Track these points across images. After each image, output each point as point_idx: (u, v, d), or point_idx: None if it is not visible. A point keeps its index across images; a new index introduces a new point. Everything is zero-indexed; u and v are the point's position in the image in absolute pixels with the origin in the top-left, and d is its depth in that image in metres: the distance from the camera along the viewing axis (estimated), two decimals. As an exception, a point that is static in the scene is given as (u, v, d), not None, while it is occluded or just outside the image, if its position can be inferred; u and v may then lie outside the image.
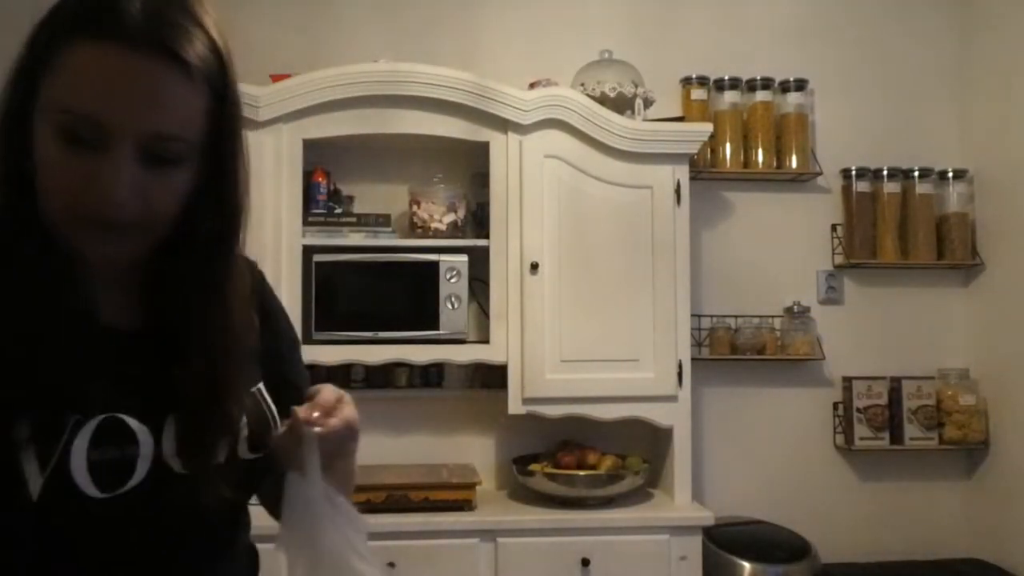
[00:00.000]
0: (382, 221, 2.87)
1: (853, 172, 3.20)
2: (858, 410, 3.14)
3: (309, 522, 0.93)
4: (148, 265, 0.93)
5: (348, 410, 0.96)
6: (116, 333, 0.92)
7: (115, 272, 0.93)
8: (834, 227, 3.25)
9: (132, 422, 0.88)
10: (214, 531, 0.98)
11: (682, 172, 2.85)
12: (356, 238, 2.82)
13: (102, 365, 0.89)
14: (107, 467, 0.86)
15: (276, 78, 2.76)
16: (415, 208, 2.88)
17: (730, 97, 3.15)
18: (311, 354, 2.72)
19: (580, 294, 2.79)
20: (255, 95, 2.67)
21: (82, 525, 0.86)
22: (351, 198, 3.00)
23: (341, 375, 2.88)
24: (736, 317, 3.15)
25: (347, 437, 0.96)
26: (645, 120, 2.87)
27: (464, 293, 2.77)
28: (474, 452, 3.03)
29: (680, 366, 2.82)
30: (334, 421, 0.93)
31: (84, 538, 0.87)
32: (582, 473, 2.78)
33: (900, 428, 3.14)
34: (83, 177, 0.81)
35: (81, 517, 0.85)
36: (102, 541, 0.88)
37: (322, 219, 2.83)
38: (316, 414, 0.92)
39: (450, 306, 2.76)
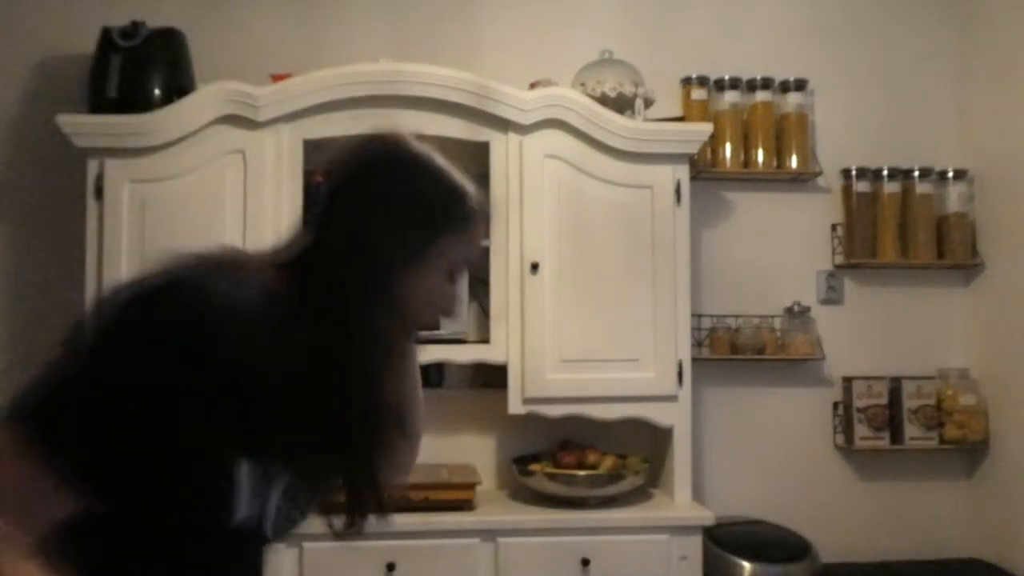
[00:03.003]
0: (382, 221, 2.86)
1: (853, 172, 3.20)
2: (858, 410, 3.14)
3: None
4: None
5: None
6: None
7: None
8: (834, 227, 3.25)
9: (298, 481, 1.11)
10: None
11: (682, 172, 2.85)
12: (356, 238, 2.81)
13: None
14: (280, 516, 1.09)
15: (276, 78, 2.76)
16: (415, 208, 2.88)
17: (730, 97, 3.15)
18: (311, 354, 2.72)
19: (580, 294, 2.79)
20: (255, 95, 2.68)
21: (241, 557, 1.11)
22: (351, 198, 2.99)
23: (341, 375, 2.88)
24: (736, 317, 3.15)
25: None
26: (645, 120, 2.87)
27: (464, 293, 2.77)
28: (474, 452, 3.03)
29: (680, 366, 2.82)
30: None
31: (234, 569, 1.11)
32: (582, 473, 2.78)
33: (900, 428, 3.14)
34: (452, 299, 1.16)
35: (246, 551, 1.11)
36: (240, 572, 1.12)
37: (322, 219, 2.83)
38: None
39: (450, 306, 2.76)
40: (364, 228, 1.07)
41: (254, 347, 0.99)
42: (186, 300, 0.98)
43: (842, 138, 3.26)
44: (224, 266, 1.05)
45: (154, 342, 0.96)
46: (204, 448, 0.98)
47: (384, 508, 1.14)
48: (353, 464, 1.10)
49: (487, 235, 1.27)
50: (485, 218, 1.20)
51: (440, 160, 1.15)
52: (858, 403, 3.14)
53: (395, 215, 1.07)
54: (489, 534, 2.63)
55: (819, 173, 3.22)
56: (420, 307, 1.12)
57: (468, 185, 1.15)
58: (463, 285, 1.31)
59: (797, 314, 3.15)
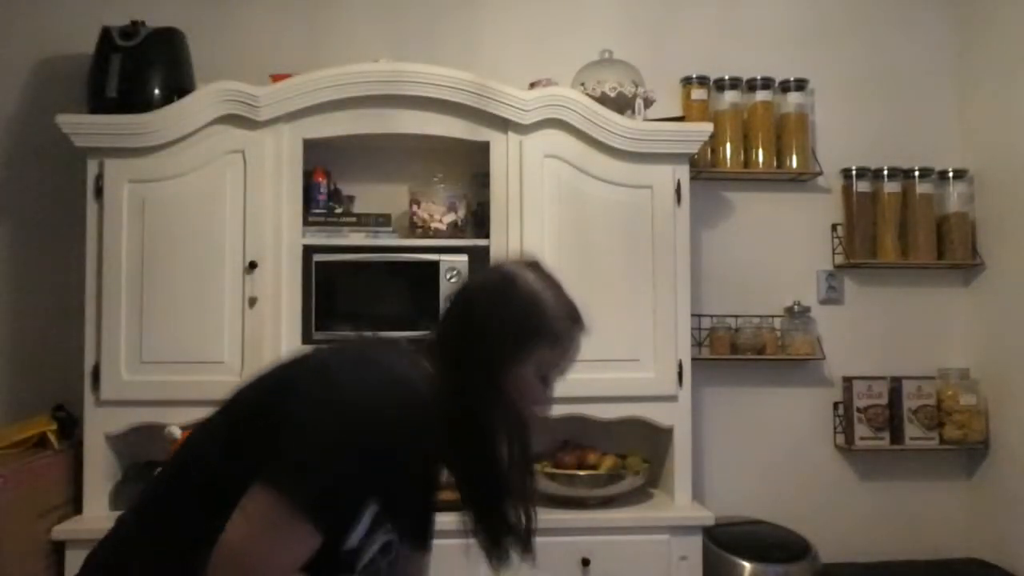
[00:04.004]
0: (382, 221, 2.87)
1: (853, 172, 3.20)
2: (858, 410, 3.14)
3: None
4: None
5: None
6: None
7: None
8: (834, 227, 3.25)
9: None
10: None
11: (682, 172, 2.85)
12: (356, 238, 2.82)
13: None
14: (370, 564, 1.41)
15: (276, 78, 2.76)
16: (415, 208, 2.88)
17: (730, 97, 3.15)
18: (311, 354, 2.72)
19: (580, 294, 2.76)
20: (255, 95, 2.68)
21: None
22: (351, 198, 3.00)
23: (341, 375, 2.88)
24: (736, 317, 3.15)
25: None
26: (645, 120, 2.87)
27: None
28: (474, 452, 3.03)
29: (680, 366, 2.82)
30: None
31: None
32: (582, 473, 2.78)
33: (900, 428, 3.14)
34: (543, 398, 1.50)
35: None
36: None
37: (322, 219, 2.83)
38: None
39: (450, 306, 2.76)
40: (478, 334, 1.38)
41: (434, 421, 1.30)
42: (410, 389, 1.28)
43: (842, 138, 3.26)
44: (405, 358, 1.36)
45: (397, 424, 1.24)
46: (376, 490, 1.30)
47: (527, 546, 1.57)
48: (487, 513, 1.51)
49: (576, 355, 1.56)
50: (577, 340, 1.55)
51: (547, 290, 1.52)
52: (858, 403, 3.14)
53: (500, 327, 1.40)
54: (489, 534, 2.63)
55: (819, 173, 3.22)
56: (518, 397, 1.42)
57: (566, 312, 1.53)
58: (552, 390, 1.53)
59: (797, 314, 3.15)
